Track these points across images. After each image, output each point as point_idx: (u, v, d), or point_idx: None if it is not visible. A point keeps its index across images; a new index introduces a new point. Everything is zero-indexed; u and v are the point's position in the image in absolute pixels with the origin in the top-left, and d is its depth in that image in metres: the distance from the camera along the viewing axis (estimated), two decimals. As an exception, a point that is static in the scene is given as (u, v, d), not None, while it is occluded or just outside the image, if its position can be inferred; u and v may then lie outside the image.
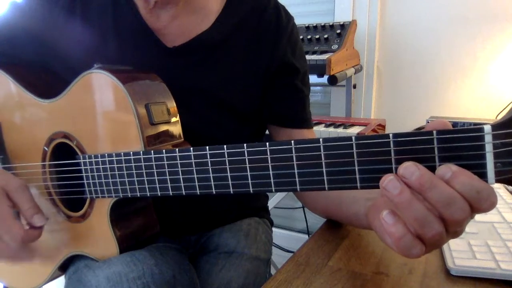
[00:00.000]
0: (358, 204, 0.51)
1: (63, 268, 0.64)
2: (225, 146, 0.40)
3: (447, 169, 0.30)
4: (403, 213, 0.32)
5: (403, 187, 0.31)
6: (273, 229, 0.88)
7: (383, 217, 0.33)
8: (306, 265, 0.50)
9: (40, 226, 0.53)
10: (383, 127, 1.28)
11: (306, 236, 1.76)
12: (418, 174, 0.30)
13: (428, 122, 1.14)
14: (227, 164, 0.40)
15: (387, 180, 0.31)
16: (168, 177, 0.46)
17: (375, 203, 0.41)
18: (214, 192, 0.42)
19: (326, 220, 0.65)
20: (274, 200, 1.54)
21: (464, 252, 0.48)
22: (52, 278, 0.66)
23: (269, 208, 0.91)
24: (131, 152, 0.49)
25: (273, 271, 0.89)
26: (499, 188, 0.68)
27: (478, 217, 0.57)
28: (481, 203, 0.30)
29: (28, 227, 0.53)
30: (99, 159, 0.53)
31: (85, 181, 0.56)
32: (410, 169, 0.30)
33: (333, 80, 1.24)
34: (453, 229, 0.32)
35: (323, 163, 0.35)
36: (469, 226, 0.54)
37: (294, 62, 0.70)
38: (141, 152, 0.48)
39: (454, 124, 1.08)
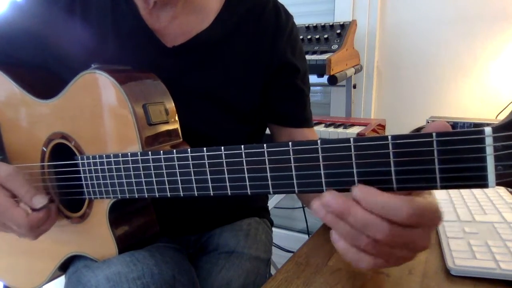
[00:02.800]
0: None
1: (63, 268, 0.64)
2: (222, 147, 0.40)
3: (357, 190, 0.33)
4: (336, 231, 0.35)
5: (326, 213, 0.34)
6: (273, 229, 0.88)
7: (331, 237, 0.36)
8: (306, 265, 0.50)
9: (42, 207, 0.52)
10: (383, 127, 1.28)
11: (306, 236, 1.76)
12: (334, 203, 0.33)
13: (428, 122, 1.14)
14: (225, 165, 0.40)
15: (313, 207, 0.35)
16: (165, 178, 0.46)
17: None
18: (211, 194, 0.42)
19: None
20: (274, 200, 1.54)
21: (464, 252, 0.48)
22: (52, 278, 0.66)
23: (269, 208, 0.91)
24: (129, 153, 0.49)
25: (273, 271, 0.89)
26: (499, 188, 0.68)
27: (478, 217, 0.57)
28: (410, 221, 0.31)
29: (31, 211, 0.52)
30: (97, 160, 0.53)
31: (83, 182, 0.56)
32: (326, 199, 0.34)
33: (333, 80, 1.24)
34: (393, 245, 0.33)
35: (321, 165, 0.35)
36: (469, 226, 0.54)
37: (294, 61, 0.70)
38: (139, 153, 0.48)
39: (454, 124, 1.08)
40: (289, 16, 0.72)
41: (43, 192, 0.53)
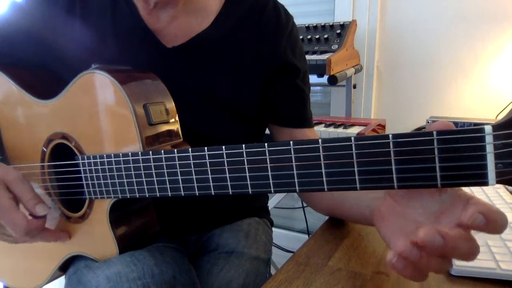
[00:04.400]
0: (362, 202, 0.50)
1: (63, 268, 0.64)
2: (223, 146, 0.40)
3: (483, 219, 0.30)
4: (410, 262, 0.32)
5: (421, 255, 0.31)
6: (273, 229, 0.88)
7: (394, 262, 0.33)
8: (306, 265, 0.50)
9: (43, 216, 0.53)
10: (383, 127, 1.28)
11: (306, 236, 1.76)
12: (441, 242, 0.30)
13: (428, 122, 1.14)
14: (226, 165, 0.40)
15: (408, 250, 0.31)
16: (166, 178, 0.46)
17: (379, 210, 0.41)
18: (213, 193, 0.42)
19: (326, 220, 0.65)
20: (274, 200, 1.54)
21: (464, 252, 0.47)
22: (52, 278, 0.66)
23: (269, 208, 0.91)
24: (130, 153, 0.49)
25: (273, 271, 0.89)
26: (499, 188, 0.68)
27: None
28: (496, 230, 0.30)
29: (31, 217, 0.53)
30: (98, 160, 0.53)
31: (84, 182, 0.56)
32: (430, 237, 0.30)
33: (333, 80, 1.24)
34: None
35: (322, 164, 0.35)
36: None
37: (294, 61, 0.70)
38: (140, 153, 0.48)
39: (454, 124, 1.07)
40: (289, 16, 0.72)
41: (44, 201, 0.54)
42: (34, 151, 0.62)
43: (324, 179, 0.35)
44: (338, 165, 0.34)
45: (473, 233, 0.32)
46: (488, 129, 0.29)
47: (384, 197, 0.41)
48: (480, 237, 0.50)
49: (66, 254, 0.61)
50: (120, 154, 0.50)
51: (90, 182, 0.55)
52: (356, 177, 0.34)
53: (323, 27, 1.42)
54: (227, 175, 0.40)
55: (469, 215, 0.30)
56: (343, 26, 1.38)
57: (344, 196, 0.58)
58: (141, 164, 0.48)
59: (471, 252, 0.31)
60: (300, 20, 0.81)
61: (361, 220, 0.55)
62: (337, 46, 1.33)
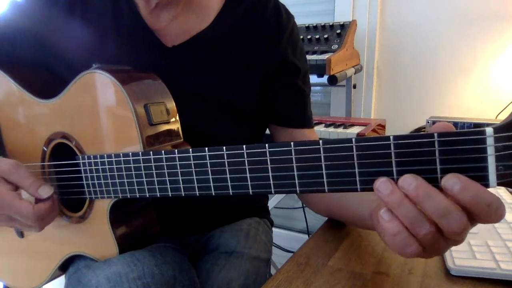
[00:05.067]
0: (363, 205, 0.50)
1: (63, 268, 0.64)
2: (224, 147, 0.40)
3: (456, 180, 0.30)
4: (395, 211, 0.33)
5: (394, 188, 0.32)
6: (273, 229, 0.88)
7: (381, 214, 0.34)
8: (306, 265, 0.50)
9: (48, 197, 0.52)
10: (383, 127, 1.28)
11: (306, 236, 1.76)
12: (415, 185, 0.31)
13: (428, 122, 1.14)
14: (226, 165, 0.40)
15: (379, 182, 0.33)
16: (167, 178, 0.46)
17: (378, 205, 0.41)
18: (213, 194, 0.42)
19: (326, 220, 0.65)
20: (274, 200, 1.54)
21: (464, 252, 0.48)
22: (52, 278, 0.66)
23: (269, 208, 0.91)
24: (130, 153, 0.49)
25: (273, 271, 0.89)
26: (500, 189, 0.68)
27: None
28: (490, 215, 0.30)
29: (36, 202, 0.51)
30: (98, 160, 0.53)
31: (84, 182, 0.56)
32: (408, 180, 0.31)
33: (333, 80, 1.24)
34: (451, 238, 0.32)
35: (323, 165, 0.35)
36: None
37: (294, 61, 0.70)
38: (140, 153, 0.48)
39: (454, 124, 1.08)
40: (290, 16, 0.72)
41: (46, 182, 0.53)
42: (34, 150, 0.62)
43: (325, 180, 0.35)
44: (339, 166, 0.34)
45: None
46: (489, 131, 0.29)
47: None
48: (480, 237, 0.50)
49: (66, 254, 0.61)
50: (121, 154, 0.50)
51: (90, 182, 0.55)
52: (357, 178, 0.34)
53: (323, 27, 1.42)
54: (228, 175, 0.40)
55: (445, 177, 0.30)
56: (343, 26, 1.38)
57: (343, 198, 0.58)
58: (142, 164, 0.48)
59: (447, 214, 0.30)
60: (300, 20, 0.81)
61: (359, 223, 0.55)
62: (337, 46, 1.33)
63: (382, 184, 0.32)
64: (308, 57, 1.24)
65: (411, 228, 0.32)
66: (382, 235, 0.35)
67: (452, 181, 0.30)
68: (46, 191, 0.51)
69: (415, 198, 0.31)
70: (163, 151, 0.46)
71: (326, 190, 0.35)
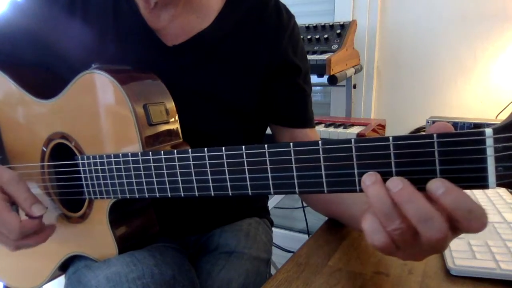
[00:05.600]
0: (356, 206, 0.51)
1: (63, 268, 0.64)
2: (223, 148, 0.40)
3: (440, 184, 0.30)
4: (372, 202, 0.33)
5: (377, 181, 0.32)
6: (273, 229, 0.88)
7: (366, 216, 0.34)
8: (306, 265, 0.50)
9: (39, 216, 0.52)
10: (383, 127, 1.28)
11: (306, 236, 1.76)
12: (400, 187, 0.31)
13: (428, 122, 1.14)
14: (226, 166, 0.40)
15: (367, 174, 0.33)
16: (166, 178, 0.46)
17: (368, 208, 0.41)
18: (212, 194, 0.42)
19: (326, 220, 0.65)
20: (274, 200, 1.54)
21: (464, 252, 0.48)
22: (52, 278, 0.66)
23: (269, 208, 0.91)
24: (130, 153, 0.49)
25: (273, 271, 0.89)
26: (499, 188, 0.68)
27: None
28: (471, 223, 0.30)
29: (27, 218, 0.51)
30: (98, 160, 0.53)
31: (83, 182, 0.56)
32: (395, 181, 0.31)
33: (333, 80, 1.24)
34: (430, 244, 0.32)
35: (322, 166, 0.35)
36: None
37: (295, 61, 0.70)
38: (139, 153, 0.48)
39: (454, 124, 1.08)
40: (290, 16, 0.72)
41: (41, 201, 0.53)
42: (34, 150, 0.62)
43: (324, 180, 0.35)
44: (338, 167, 0.34)
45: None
46: (489, 132, 0.29)
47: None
48: (480, 237, 0.50)
49: (66, 254, 0.61)
50: (120, 154, 0.50)
51: (89, 182, 0.55)
52: (356, 179, 0.34)
53: (323, 27, 1.42)
54: (227, 176, 0.40)
55: (431, 181, 0.31)
56: (343, 26, 1.38)
57: (340, 198, 0.58)
58: (141, 165, 0.48)
59: (429, 220, 0.30)
60: (300, 20, 0.81)
61: (352, 223, 0.55)
62: (337, 46, 1.33)
63: (368, 176, 0.33)
64: (308, 57, 1.23)
65: (383, 221, 0.32)
66: (366, 236, 0.35)
67: (436, 185, 0.30)
68: (38, 209, 0.51)
69: (398, 200, 0.31)
70: (162, 152, 0.46)
71: (325, 191, 0.35)
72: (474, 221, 0.29)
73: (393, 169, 0.32)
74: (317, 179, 0.35)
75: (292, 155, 0.36)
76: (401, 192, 0.31)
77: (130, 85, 0.52)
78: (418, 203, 0.30)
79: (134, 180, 0.49)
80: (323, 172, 0.35)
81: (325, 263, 0.50)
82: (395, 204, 0.31)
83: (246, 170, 0.39)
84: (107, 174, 0.52)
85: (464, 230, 0.31)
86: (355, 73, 1.41)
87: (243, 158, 0.39)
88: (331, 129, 1.21)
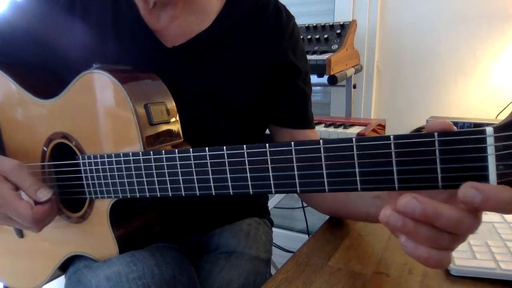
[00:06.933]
0: (367, 202, 0.51)
1: (63, 268, 0.64)
2: (224, 147, 0.40)
3: (476, 193, 0.28)
4: (414, 238, 0.31)
5: (404, 220, 0.30)
6: (273, 229, 0.88)
7: (403, 244, 0.32)
8: (306, 265, 0.50)
9: (47, 200, 0.52)
10: (383, 127, 1.28)
11: (306, 236, 1.76)
12: (420, 209, 0.29)
13: (428, 122, 1.14)
14: (227, 165, 0.40)
15: (387, 216, 0.31)
16: (167, 178, 0.46)
17: (389, 194, 0.41)
18: (213, 193, 0.42)
19: (326, 220, 0.65)
20: (274, 200, 1.54)
21: (464, 252, 0.48)
22: (52, 278, 0.66)
23: (269, 208, 0.91)
24: (130, 153, 0.49)
25: (273, 271, 0.89)
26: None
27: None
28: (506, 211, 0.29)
29: (35, 204, 0.52)
30: (98, 160, 0.53)
31: (84, 182, 0.56)
32: (411, 204, 0.30)
33: (333, 80, 1.24)
34: (464, 237, 0.32)
35: (323, 165, 0.35)
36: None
37: (295, 62, 0.70)
38: (140, 153, 0.48)
39: (454, 124, 1.07)
40: (290, 17, 0.72)
41: (47, 185, 0.53)
42: (34, 150, 0.62)
43: (325, 180, 0.35)
44: (339, 166, 0.34)
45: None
46: (489, 130, 0.29)
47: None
48: (480, 237, 0.50)
49: (66, 254, 0.61)
50: (121, 154, 0.50)
51: (90, 182, 0.55)
52: (357, 178, 0.34)
53: (323, 27, 1.42)
54: (228, 175, 0.40)
55: (462, 189, 0.29)
56: (343, 26, 1.38)
57: (347, 196, 0.58)
58: (142, 164, 0.48)
59: (460, 224, 0.29)
60: (300, 20, 0.81)
61: (367, 218, 0.55)
62: (337, 46, 1.33)
63: (391, 218, 0.31)
64: (308, 57, 1.23)
65: (434, 244, 0.31)
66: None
67: (472, 194, 0.28)
68: (44, 194, 0.52)
69: (425, 220, 0.30)
70: (163, 151, 0.46)
71: (327, 190, 0.35)
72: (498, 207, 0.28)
73: (394, 168, 0.32)
74: (318, 178, 0.35)
75: (293, 154, 0.36)
76: (425, 212, 0.29)
77: (131, 85, 0.52)
78: (446, 214, 0.29)
79: (135, 180, 0.49)
80: (324, 171, 0.35)
81: (325, 263, 0.50)
82: (423, 222, 0.30)
83: (247, 169, 0.39)
84: (108, 173, 0.52)
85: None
86: (355, 73, 1.42)
87: (244, 157, 0.39)
88: (331, 129, 1.21)
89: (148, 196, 0.49)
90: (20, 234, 0.67)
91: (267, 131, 0.78)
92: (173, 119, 0.56)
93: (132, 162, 0.49)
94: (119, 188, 0.52)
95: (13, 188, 0.52)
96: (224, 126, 0.69)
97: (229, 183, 0.41)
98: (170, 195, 0.47)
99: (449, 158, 0.30)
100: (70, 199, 0.60)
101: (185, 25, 0.65)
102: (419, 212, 0.29)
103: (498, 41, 1.32)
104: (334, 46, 1.33)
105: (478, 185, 0.28)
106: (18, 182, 0.52)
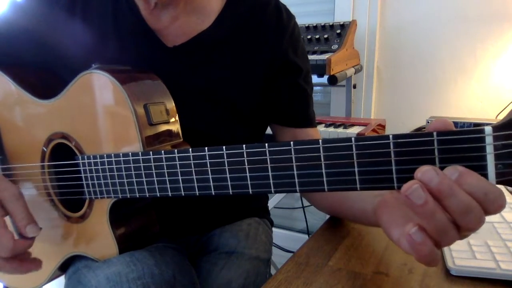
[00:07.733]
0: (365, 201, 0.50)
1: (63, 268, 0.64)
2: (224, 147, 0.40)
3: (454, 170, 0.29)
4: (424, 222, 0.30)
5: (428, 197, 0.29)
6: (273, 229, 0.88)
7: (411, 234, 0.31)
8: (306, 265, 0.50)
9: (32, 237, 0.51)
10: (383, 127, 1.28)
11: (306, 236, 1.76)
12: (438, 181, 0.29)
13: (428, 122, 1.14)
14: (226, 165, 0.40)
15: (412, 189, 0.29)
16: (167, 178, 0.46)
17: (384, 199, 0.40)
18: (213, 193, 0.42)
19: (326, 220, 0.65)
20: (274, 200, 1.54)
21: (464, 252, 0.48)
22: (52, 278, 0.66)
23: (269, 208, 0.91)
24: (130, 153, 0.49)
25: (273, 271, 0.89)
26: (499, 186, 0.68)
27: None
28: (488, 205, 0.29)
29: (19, 237, 0.51)
30: (98, 160, 0.53)
31: (84, 182, 0.56)
32: (429, 174, 0.29)
33: (333, 80, 1.24)
34: (464, 234, 0.31)
35: (323, 164, 0.35)
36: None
37: (296, 61, 0.70)
38: (140, 153, 0.48)
39: (454, 124, 1.08)
40: (290, 16, 0.72)
41: (36, 222, 0.52)
42: (34, 151, 0.62)
43: (325, 179, 0.35)
44: (339, 165, 0.34)
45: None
46: (488, 130, 0.29)
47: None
48: (480, 237, 0.50)
49: (66, 254, 0.61)
50: (120, 154, 0.50)
51: (90, 182, 0.55)
52: (357, 177, 0.34)
53: (323, 27, 1.42)
54: (228, 175, 0.40)
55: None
56: (343, 26, 1.38)
57: (346, 195, 0.58)
58: (142, 164, 0.48)
59: (470, 211, 0.28)
60: (300, 20, 0.81)
61: (363, 219, 0.55)
62: (337, 46, 1.33)
63: (415, 192, 0.29)
64: (308, 57, 1.24)
65: (438, 237, 0.30)
66: (391, 235, 0.34)
67: (449, 171, 0.29)
68: (33, 230, 0.51)
69: (437, 195, 0.29)
70: (162, 151, 0.46)
71: (326, 189, 0.35)
72: (491, 204, 0.29)
73: (393, 167, 0.32)
74: (317, 177, 0.35)
75: (293, 153, 0.36)
76: (440, 186, 0.28)
77: (130, 85, 0.52)
78: (459, 195, 0.28)
79: (134, 180, 0.49)
80: (323, 171, 0.35)
81: (325, 263, 0.50)
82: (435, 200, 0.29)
83: (247, 169, 0.39)
84: (108, 173, 0.52)
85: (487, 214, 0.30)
86: (355, 73, 1.41)
87: (243, 157, 0.39)
88: (331, 129, 1.21)
89: (147, 196, 0.49)
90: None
91: (268, 131, 0.78)
92: (172, 119, 0.56)
93: (131, 162, 0.49)
94: (118, 188, 0.52)
95: (3, 215, 0.51)
96: (224, 126, 0.69)
97: (229, 183, 0.41)
98: (170, 195, 0.47)
99: (448, 157, 0.31)
100: (70, 199, 0.60)
101: (186, 25, 0.65)
102: (436, 183, 0.28)
103: (498, 41, 1.32)
104: (334, 46, 1.33)
105: (459, 166, 0.29)
106: (12, 211, 0.51)
